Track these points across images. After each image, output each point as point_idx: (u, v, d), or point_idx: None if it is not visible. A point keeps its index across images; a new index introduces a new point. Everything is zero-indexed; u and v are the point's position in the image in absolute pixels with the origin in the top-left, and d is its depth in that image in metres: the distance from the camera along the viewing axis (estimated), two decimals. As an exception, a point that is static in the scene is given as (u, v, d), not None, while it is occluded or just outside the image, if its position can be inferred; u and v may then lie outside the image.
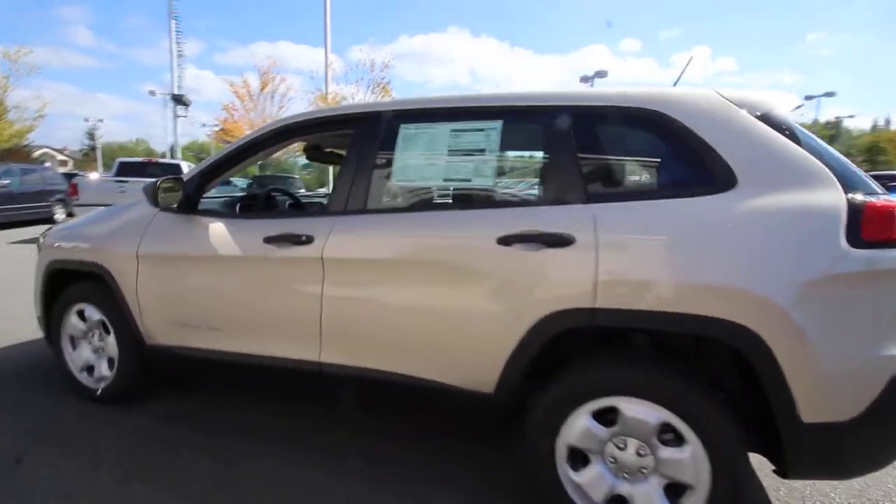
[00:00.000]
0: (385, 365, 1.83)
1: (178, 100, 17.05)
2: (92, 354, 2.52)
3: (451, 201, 1.81)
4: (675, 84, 1.93)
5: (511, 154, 1.75)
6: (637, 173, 1.63)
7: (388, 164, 1.91)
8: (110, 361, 2.46)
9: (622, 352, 1.63)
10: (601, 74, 21.56)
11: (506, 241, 1.61)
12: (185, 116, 18.01)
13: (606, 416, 1.54)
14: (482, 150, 1.78)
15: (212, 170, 2.26)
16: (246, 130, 18.12)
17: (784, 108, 1.56)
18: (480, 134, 1.80)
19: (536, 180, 1.70)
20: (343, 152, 3.26)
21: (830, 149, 1.55)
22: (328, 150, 2.95)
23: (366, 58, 17.76)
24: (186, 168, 11.07)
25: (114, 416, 2.37)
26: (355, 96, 16.36)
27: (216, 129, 18.93)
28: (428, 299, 1.72)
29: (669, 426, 1.47)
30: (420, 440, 2.20)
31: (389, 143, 1.93)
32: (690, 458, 1.45)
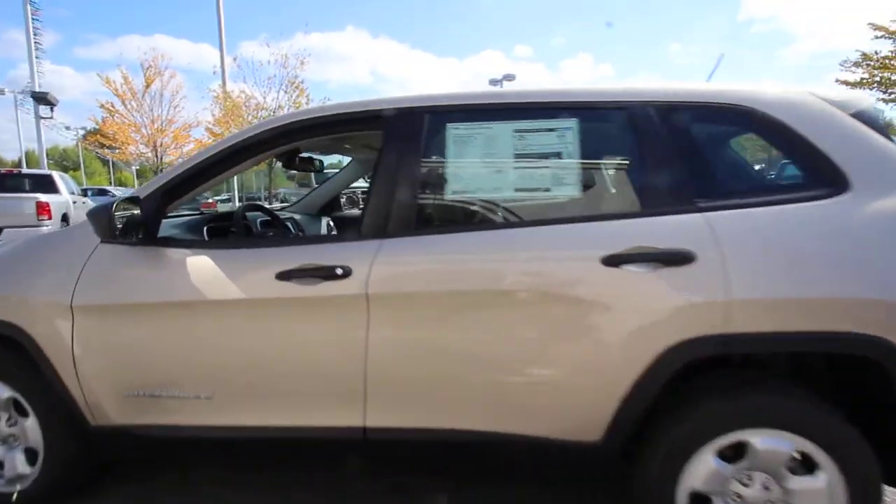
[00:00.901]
0: (454, 422, 1.48)
1: (41, 99, 14.13)
2: (-2, 446, 1.81)
3: (528, 216, 1.51)
4: (707, 80, 1.82)
5: (593, 157, 1.51)
6: (741, 177, 1.47)
7: (439, 171, 1.56)
8: (30, 453, 1.78)
9: (747, 380, 1.46)
10: (509, 78, 22.30)
11: (613, 260, 1.35)
12: (50, 118, 15.13)
13: (730, 452, 1.37)
14: (558, 154, 1.50)
15: (178, 184, 1.70)
16: (131, 134, 15.79)
17: (871, 105, 1.50)
18: (553, 135, 1.52)
19: (629, 188, 1.47)
20: (322, 157, 2.80)
21: None
22: (306, 155, 2.46)
23: (274, 53, 15.32)
24: (59, 180, 9.26)
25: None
26: (266, 96, 14.57)
27: (88, 132, 16.24)
28: (514, 338, 1.41)
29: (800, 454, 1.34)
30: (462, 493, 1.87)
31: (435, 147, 1.57)
32: (826, 485, 1.32)
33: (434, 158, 1.57)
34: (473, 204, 1.53)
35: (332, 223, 3.24)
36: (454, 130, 1.57)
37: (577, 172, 1.49)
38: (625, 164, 1.50)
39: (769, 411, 1.33)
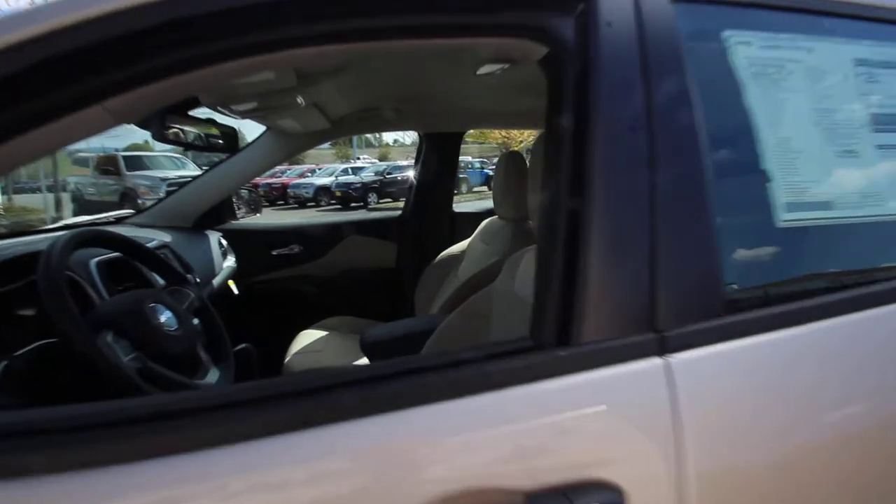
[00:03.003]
0: None
1: None
2: None
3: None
4: None
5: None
6: None
7: (751, 154, 0.62)
8: None
9: None
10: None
11: None
12: None
13: None
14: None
15: None
16: None
17: None
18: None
19: None
20: (235, 124, 1.48)
21: None
22: (204, 117, 1.19)
23: None
24: None
25: None
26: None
27: None
28: None
29: None
30: None
31: (711, 86, 0.63)
32: None
33: (715, 114, 0.62)
34: (856, 225, 0.63)
35: (223, 242, 1.91)
36: (745, 49, 0.64)
37: None
38: None
39: None
